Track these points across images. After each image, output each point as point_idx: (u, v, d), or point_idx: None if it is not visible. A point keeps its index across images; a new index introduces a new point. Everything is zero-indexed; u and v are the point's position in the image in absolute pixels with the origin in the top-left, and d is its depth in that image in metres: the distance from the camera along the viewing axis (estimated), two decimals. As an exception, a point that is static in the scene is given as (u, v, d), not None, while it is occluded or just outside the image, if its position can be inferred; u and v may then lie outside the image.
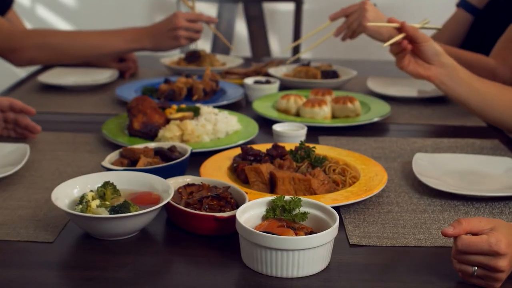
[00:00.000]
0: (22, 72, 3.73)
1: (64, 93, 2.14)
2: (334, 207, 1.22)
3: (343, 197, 1.26)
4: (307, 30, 3.00)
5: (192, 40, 2.17)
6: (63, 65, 2.38)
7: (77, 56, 2.14)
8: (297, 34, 3.70)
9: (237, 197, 1.20)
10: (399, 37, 1.52)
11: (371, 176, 1.36)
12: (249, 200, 1.16)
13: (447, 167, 1.47)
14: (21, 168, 1.41)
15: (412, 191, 1.37)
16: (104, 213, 1.10)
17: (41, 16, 4.17)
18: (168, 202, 1.14)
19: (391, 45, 1.55)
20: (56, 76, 2.28)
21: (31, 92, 2.16)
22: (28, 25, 2.55)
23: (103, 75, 2.30)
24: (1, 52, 2.09)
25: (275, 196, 1.12)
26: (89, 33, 2.14)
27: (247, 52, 3.75)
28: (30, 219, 1.20)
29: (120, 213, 1.09)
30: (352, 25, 2.00)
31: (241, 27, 3.96)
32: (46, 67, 2.50)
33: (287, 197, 1.12)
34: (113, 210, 1.10)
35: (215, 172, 1.37)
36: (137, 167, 1.32)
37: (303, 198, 1.12)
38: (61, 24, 4.18)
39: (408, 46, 1.53)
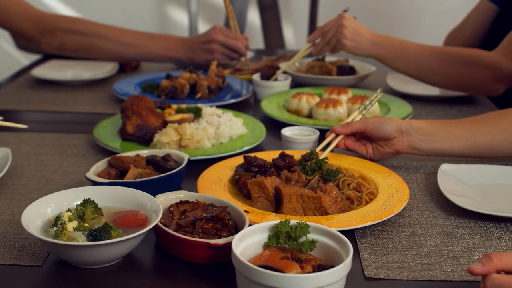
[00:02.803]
0: (25, 60, 3.60)
1: (59, 88, 2.00)
2: (347, 230, 1.07)
3: (358, 218, 1.10)
4: (323, 20, 2.84)
5: (229, 57, 2.03)
6: (61, 57, 2.22)
7: (107, 51, 2.00)
8: (312, 24, 3.53)
9: (236, 218, 1.04)
10: (335, 143, 1.37)
11: (390, 192, 1.20)
12: (250, 222, 1.02)
13: (476, 181, 1.30)
14: (3, 175, 1.27)
15: (437, 209, 1.21)
16: (81, 238, 0.95)
17: (44, 1, 4.02)
18: (156, 225, 0.99)
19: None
20: (52, 70, 2.13)
21: (25, 86, 2.01)
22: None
23: (102, 69, 2.14)
24: (31, 36, 1.98)
25: (279, 221, 0.96)
26: (123, 30, 2.01)
27: (259, 43, 3.59)
28: (14, 237, 1.06)
29: (99, 239, 0.94)
30: (331, 41, 1.88)
31: (253, 17, 3.79)
32: (43, 59, 2.36)
33: (292, 222, 0.96)
34: (91, 235, 0.95)
35: (214, 185, 1.21)
36: (124, 180, 1.17)
37: (311, 224, 0.96)
38: (66, 12, 4.04)
39: (346, 144, 1.37)
